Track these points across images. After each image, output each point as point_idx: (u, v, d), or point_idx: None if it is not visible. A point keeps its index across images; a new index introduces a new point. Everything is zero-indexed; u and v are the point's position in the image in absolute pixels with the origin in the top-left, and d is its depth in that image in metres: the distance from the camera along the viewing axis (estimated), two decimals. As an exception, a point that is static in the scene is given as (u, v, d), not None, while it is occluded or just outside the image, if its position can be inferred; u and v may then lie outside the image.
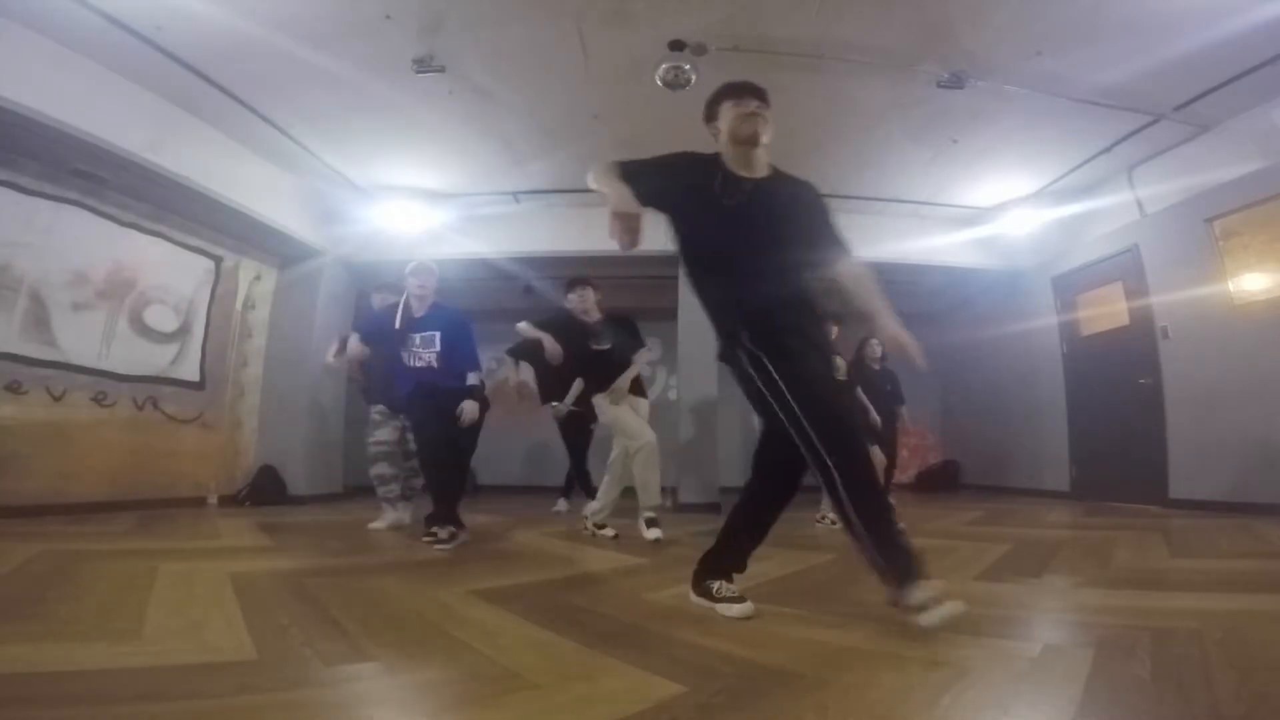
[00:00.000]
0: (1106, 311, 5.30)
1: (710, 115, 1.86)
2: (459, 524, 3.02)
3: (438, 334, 3.14)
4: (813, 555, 2.73)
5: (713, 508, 4.87)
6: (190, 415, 4.92)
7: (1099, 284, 5.38)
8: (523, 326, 3.53)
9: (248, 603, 1.77)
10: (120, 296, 4.44)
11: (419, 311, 3.19)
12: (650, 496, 3.22)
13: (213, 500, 4.92)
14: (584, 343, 3.40)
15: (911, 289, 6.73)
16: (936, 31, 3.39)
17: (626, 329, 3.50)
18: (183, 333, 4.92)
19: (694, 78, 3.58)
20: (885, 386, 5.16)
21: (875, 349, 5.12)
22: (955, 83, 3.73)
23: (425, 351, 3.13)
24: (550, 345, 3.39)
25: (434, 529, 2.97)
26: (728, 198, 1.70)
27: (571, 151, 4.76)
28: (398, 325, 3.16)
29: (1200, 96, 3.87)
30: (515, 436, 7.03)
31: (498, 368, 5.99)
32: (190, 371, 4.97)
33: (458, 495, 3.12)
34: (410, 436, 3.78)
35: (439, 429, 3.08)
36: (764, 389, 1.62)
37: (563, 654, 1.36)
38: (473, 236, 5.73)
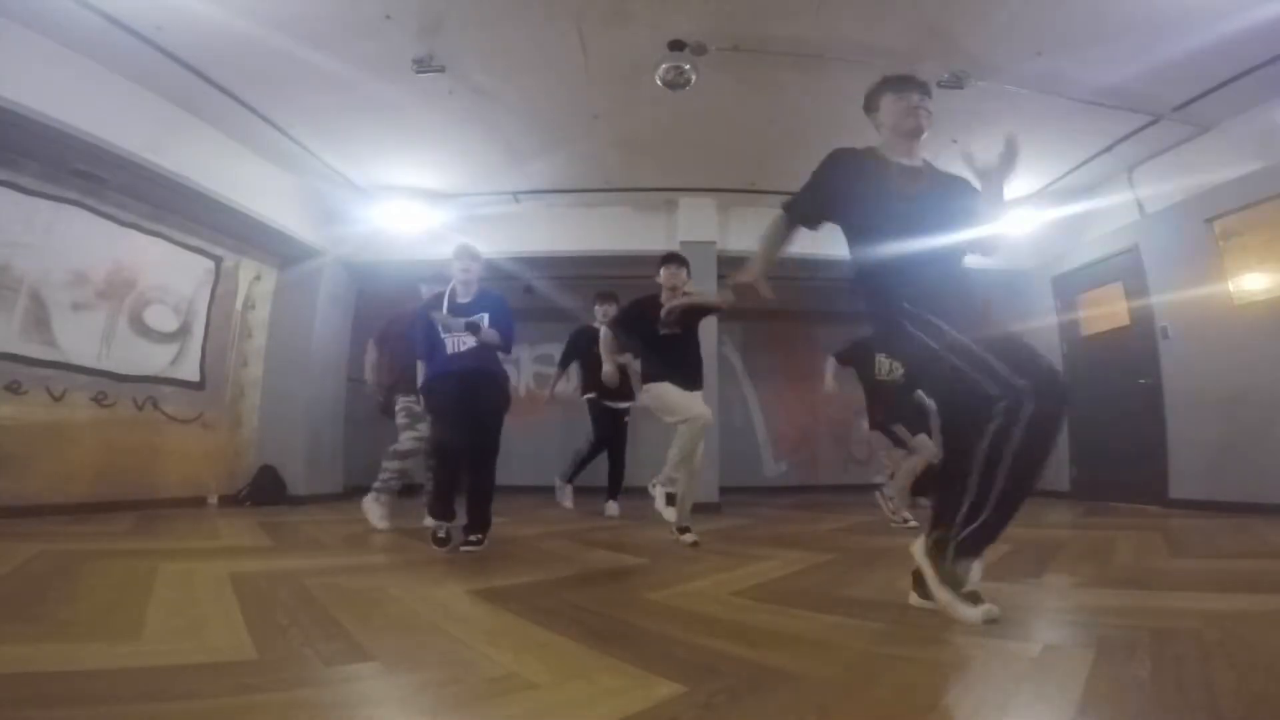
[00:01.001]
0: (1106, 311, 5.30)
1: (871, 106, 1.89)
2: (451, 519, 2.96)
3: (485, 316, 3.08)
4: (813, 555, 2.73)
5: (713, 508, 4.87)
6: (190, 415, 4.92)
7: (1099, 284, 5.38)
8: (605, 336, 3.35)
9: (248, 603, 1.77)
10: (120, 296, 4.44)
11: (465, 297, 3.16)
12: (669, 468, 3.09)
13: (213, 500, 4.92)
14: (650, 328, 3.18)
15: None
16: (936, 31, 3.39)
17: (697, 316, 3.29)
18: (183, 333, 4.92)
19: (694, 78, 3.58)
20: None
21: None
22: (955, 83, 3.73)
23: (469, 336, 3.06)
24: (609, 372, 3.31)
25: (472, 536, 2.87)
26: (907, 187, 1.73)
27: (571, 151, 4.77)
28: (444, 309, 3.11)
29: (1200, 96, 3.88)
30: (516, 437, 7.03)
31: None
32: (190, 371, 4.97)
33: (462, 492, 3.01)
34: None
35: (456, 428, 2.98)
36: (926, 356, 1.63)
37: (563, 654, 1.36)
38: (473, 236, 5.66)
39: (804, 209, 1.84)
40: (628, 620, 1.65)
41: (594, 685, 1.16)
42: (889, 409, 3.92)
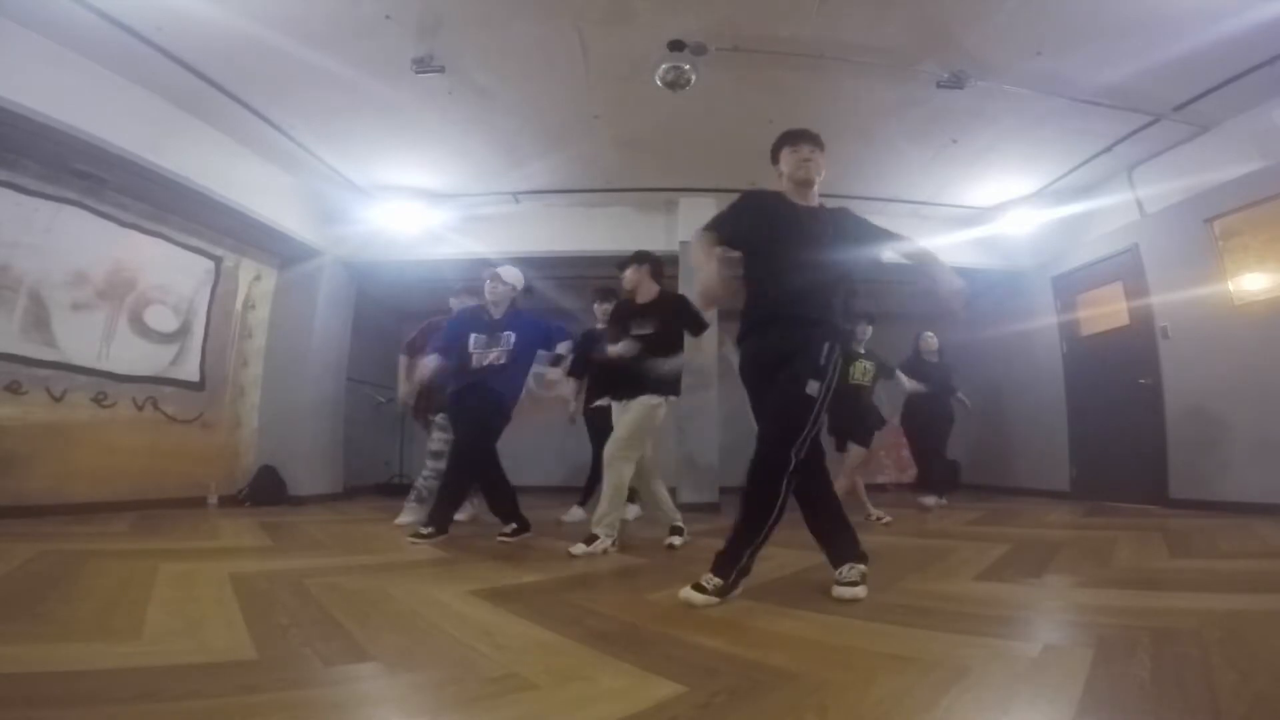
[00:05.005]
0: (1106, 311, 5.30)
1: (774, 158, 2.14)
2: (523, 521, 3.26)
3: (513, 334, 3.34)
4: (813, 555, 2.72)
5: (712, 508, 4.87)
6: (190, 415, 4.92)
7: (1099, 284, 5.38)
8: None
9: (248, 603, 1.77)
10: (120, 296, 4.44)
11: (496, 315, 3.42)
12: (665, 509, 3.33)
13: (213, 500, 4.91)
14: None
15: (912, 289, 6.73)
16: (936, 31, 3.39)
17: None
18: (183, 333, 4.92)
19: (694, 78, 3.58)
20: (946, 378, 5.10)
21: (931, 341, 5.14)
22: (955, 83, 3.73)
23: (493, 352, 3.30)
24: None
25: (507, 529, 3.21)
26: (810, 225, 2.01)
27: (571, 151, 4.77)
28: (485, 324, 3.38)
29: (1200, 96, 3.87)
30: (516, 437, 7.02)
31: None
32: (190, 372, 4.96)
33: (508, 495, 3.31)
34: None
35: (479, 435, 3.24)
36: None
37: (563, 654, 1.36)
38: (473, 236, 5.73)
39: (722, 231, 2.07)
40: (628, 620, 1.65)
41: (594, 685, 1.16)
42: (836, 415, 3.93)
